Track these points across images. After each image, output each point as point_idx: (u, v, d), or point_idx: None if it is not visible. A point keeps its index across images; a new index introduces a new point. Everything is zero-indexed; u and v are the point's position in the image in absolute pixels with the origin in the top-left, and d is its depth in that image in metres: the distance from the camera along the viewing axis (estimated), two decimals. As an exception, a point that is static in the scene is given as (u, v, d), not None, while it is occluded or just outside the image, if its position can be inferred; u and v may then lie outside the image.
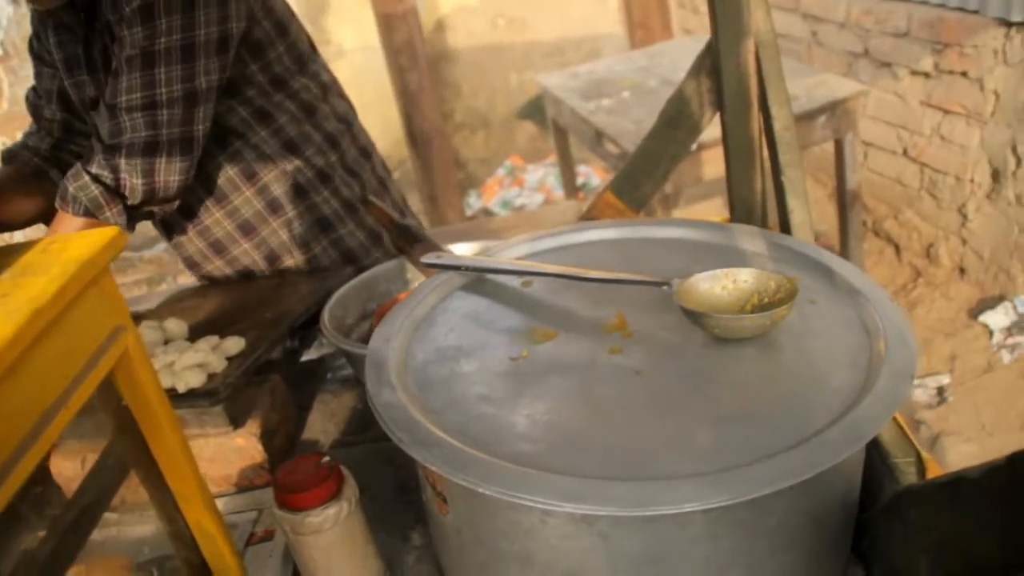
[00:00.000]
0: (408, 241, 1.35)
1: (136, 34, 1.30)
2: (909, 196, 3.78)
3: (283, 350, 1.37)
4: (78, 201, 1.31)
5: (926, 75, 3.49)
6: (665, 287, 0.91)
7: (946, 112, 3.43)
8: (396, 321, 0.95)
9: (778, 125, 1.21)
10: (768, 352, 0.84)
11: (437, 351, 0.90)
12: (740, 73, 1.28)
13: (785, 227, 1.20)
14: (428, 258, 1.04)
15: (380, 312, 1.34)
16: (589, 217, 1.44)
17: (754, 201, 1.36)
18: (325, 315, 1.24)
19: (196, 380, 1.06)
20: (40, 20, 1.53)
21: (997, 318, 3.25)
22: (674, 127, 1.39)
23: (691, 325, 0.88)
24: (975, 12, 3.16)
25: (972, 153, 3.35)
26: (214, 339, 1.16)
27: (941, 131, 3.48)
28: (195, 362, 1.07)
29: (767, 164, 1.36)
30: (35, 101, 1.62)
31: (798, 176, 1.18)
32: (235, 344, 1.14)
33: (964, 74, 3.27)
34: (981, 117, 3.24)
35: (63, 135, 1.62)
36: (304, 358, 1.44)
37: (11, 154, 1.59)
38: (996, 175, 3.26)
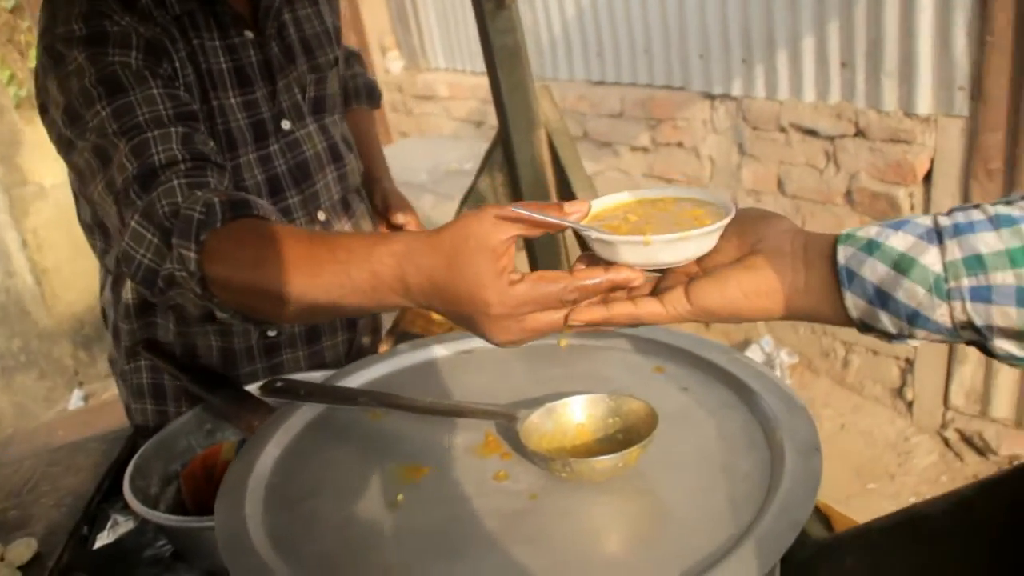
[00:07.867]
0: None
1: None
2: (647, 262, 3.99)
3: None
4: None
5: (645, 150, 3.73)
6: (512, 422, 0.82)
7: (668, 181, 3.68)
8: (238, 486, 0.82)
9: (586, 213, 1.21)
10: (667, 447, 0.79)
11: (304, 518, 0.78)
12: (535, 164, 1.27)
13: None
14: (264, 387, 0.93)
15: (187, 474, 1.17)
16: (399, 330, 1.36)
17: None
18: (127, 489, 1.05)
19: (-12, 607, 0.86)
20: None
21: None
22: (472, 227, 1.35)
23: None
24: (680, 88, 3.44)
25: (698, 215, 3.60)
26: (-5, 546, 0.95)
27: (667, 198, 3.72)
28: (-19, 583, 0.87)
29: (570, 254, 1.35)
30: None
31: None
32: (25, 548, 0.94)
33: (680, 145, 3.53)
34: (701, 181, 3.51)
35: None
36: (98, 544, 1.23)
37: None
38: (723, 232, 3.52)
